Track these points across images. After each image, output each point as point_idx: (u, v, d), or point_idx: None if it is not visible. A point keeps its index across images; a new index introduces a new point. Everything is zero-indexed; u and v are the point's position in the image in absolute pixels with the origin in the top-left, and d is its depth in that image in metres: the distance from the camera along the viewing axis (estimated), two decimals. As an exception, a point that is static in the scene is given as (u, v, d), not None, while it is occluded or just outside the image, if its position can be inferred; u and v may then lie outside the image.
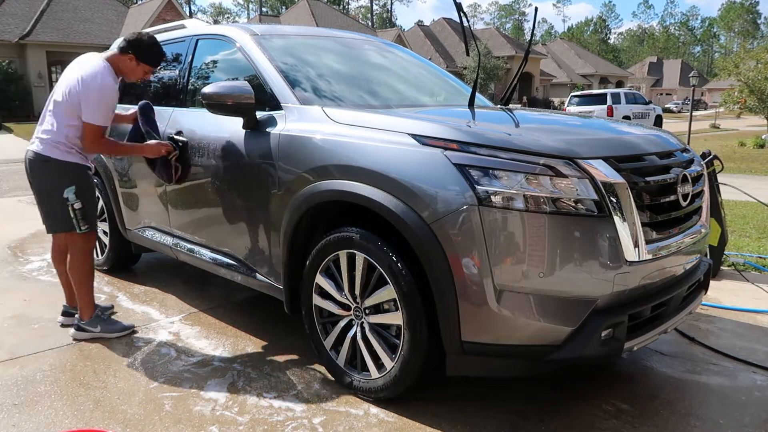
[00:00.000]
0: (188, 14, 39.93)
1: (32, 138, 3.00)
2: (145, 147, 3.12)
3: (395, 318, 2.27)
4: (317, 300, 2.58)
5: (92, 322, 3.10)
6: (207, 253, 3.25)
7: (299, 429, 2.25)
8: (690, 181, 2.39)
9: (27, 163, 3.00)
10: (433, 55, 40.67)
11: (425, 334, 2.18)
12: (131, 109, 3.38)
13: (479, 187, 2.01)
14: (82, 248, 3.04)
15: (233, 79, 3.08)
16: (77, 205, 2.93)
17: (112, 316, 3.27)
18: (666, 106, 45.78)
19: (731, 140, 17.74)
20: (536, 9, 3.49)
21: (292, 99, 2.76)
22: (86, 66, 2.93)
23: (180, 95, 3.54)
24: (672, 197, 2.28)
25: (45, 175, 2.94)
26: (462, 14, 2.89)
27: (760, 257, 4.49)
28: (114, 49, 3.23)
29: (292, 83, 2.85)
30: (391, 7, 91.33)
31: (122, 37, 3.13)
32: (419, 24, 51.53)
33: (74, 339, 3.09)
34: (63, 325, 3.24)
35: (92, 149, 3.00)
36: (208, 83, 2.99)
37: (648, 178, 2.19)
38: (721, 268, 4.18)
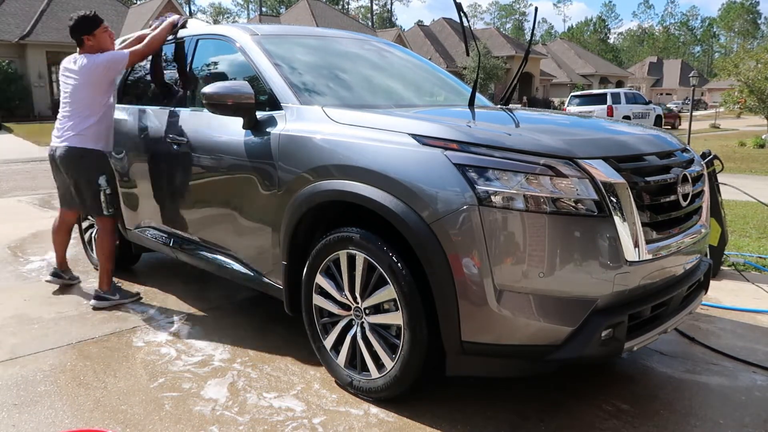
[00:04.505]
0: (188, 14, 39.94)
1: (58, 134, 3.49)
2: (162, 31, 3.65)
3: (395, 318, 2.27)
4: (317, 300, 2.58)
5: (112, 291, 3.59)
6: (207, 253, 3.25)
7: (299, 429, 2.25)
8: (690, 181, 2.39)
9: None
10: (433, 55, 40.68)
11: (425, 334, 2.18)
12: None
13: (479, 187, 2.01)
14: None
15: (233, 79, 3.09)
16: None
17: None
18: (666, 105, 45.73)
19: (731, 140, 17.75)
20: (536, 9, 3.49)
21: (292, 99, 2.76)
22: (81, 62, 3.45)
23: (180, 95, 3.54)
24: (672, 197, 2.28)
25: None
26: (462, 14, 2.89)
27: (760, 257, 4.49)
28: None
29: (292, 83, 2.85)
30: (390, 7, 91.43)
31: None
32: (419, 24, 51.54)
33: (94, 308, 3.51)
34: (48, 281, 3.90)
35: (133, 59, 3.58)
36: (209, 83, 2.99)
37: (648, 178, 2.19)
38: (721, 268, 4.18)
